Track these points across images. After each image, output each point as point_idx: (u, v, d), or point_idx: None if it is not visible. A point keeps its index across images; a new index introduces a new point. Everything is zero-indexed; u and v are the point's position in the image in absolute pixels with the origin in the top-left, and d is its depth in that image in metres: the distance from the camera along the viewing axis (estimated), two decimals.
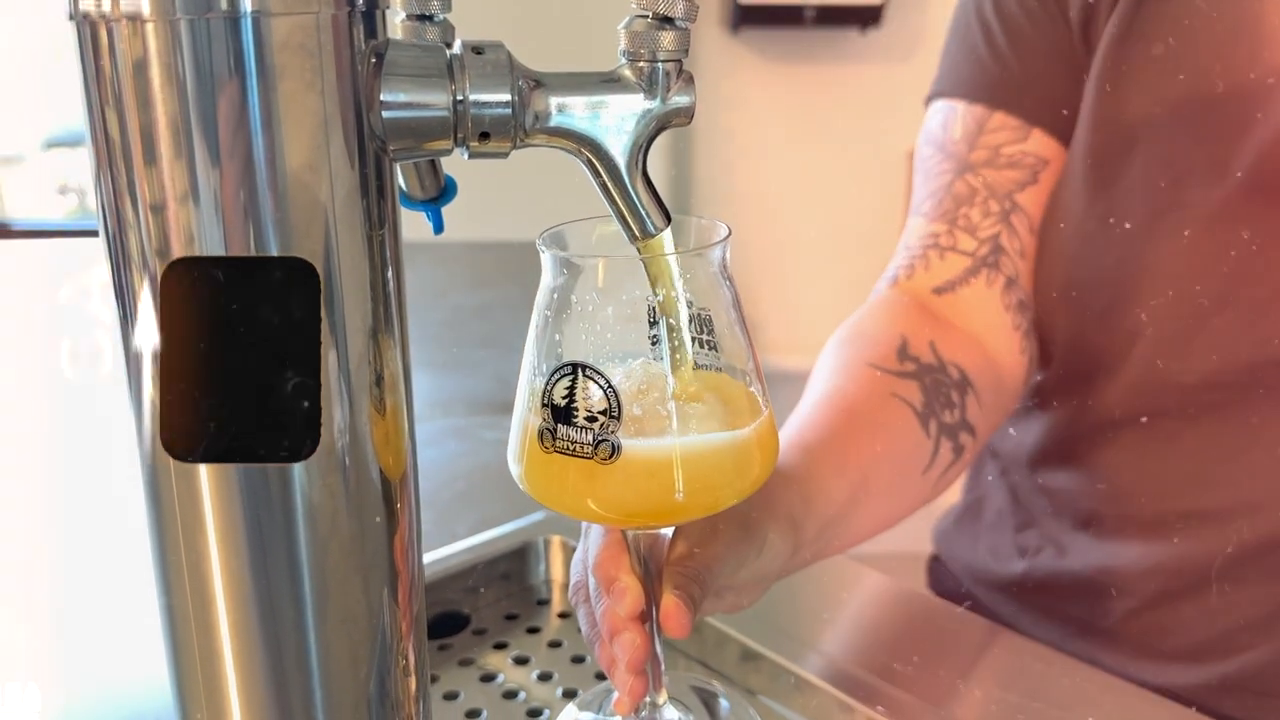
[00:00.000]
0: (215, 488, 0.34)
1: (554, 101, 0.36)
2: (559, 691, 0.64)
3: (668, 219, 0.40)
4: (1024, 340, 0.75)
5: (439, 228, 0.46)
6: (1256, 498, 0.68)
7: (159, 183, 0.31)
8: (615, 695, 0.50)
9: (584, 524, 0.51)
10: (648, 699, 0.51)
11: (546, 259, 0.44)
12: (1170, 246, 0.69)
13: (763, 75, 2.13)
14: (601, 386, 0.42)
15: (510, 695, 0.64)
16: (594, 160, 0.38)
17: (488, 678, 0.66)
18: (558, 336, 0.44)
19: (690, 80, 0.38)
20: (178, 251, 0.31)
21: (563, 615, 0.73)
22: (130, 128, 0.31)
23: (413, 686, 0.40)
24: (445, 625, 0.71)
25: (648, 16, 0.37)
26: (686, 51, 0.37)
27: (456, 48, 0.35)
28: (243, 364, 0.32)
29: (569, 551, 0.75)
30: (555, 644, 0.69)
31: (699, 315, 0.43)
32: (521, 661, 0.67)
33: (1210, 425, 0.69)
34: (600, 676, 0.64)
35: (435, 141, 0.34)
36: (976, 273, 0.74)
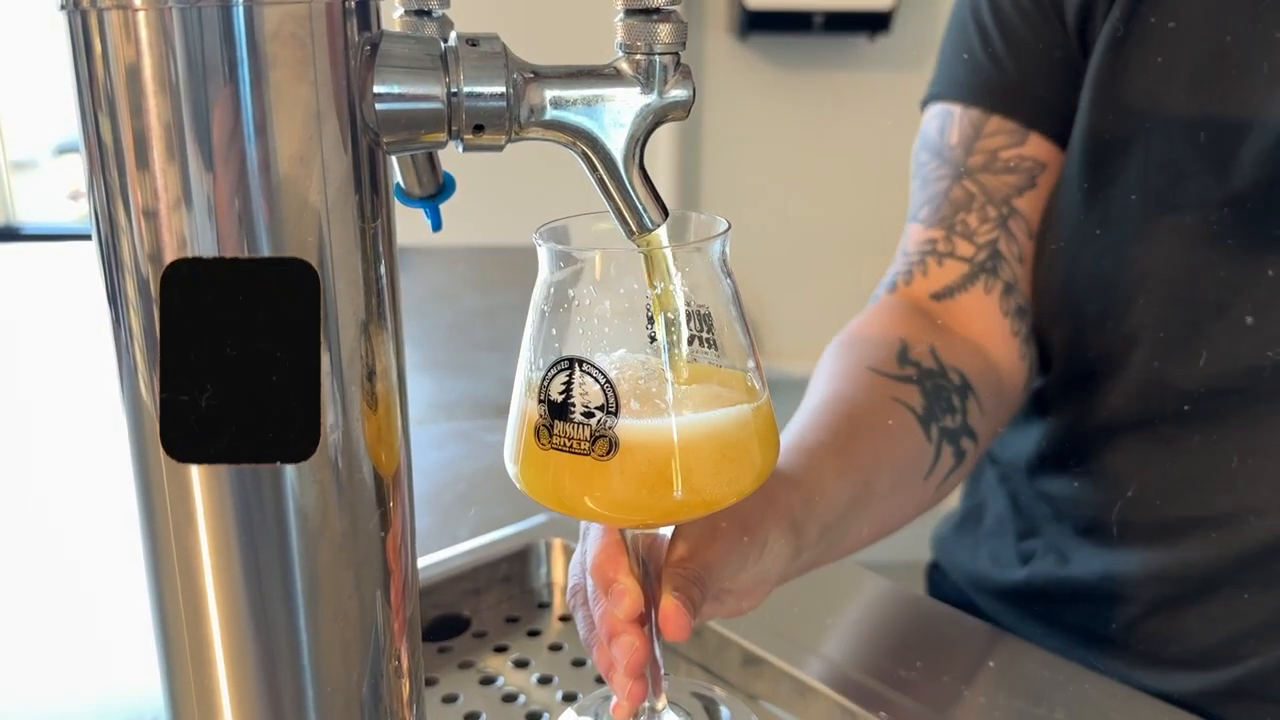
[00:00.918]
0: (206, 486, 0.33)
1: (549, 94, 0.35)
2: (559, 695, 0.64)
3: (665, 214, 0.39)
4: (1023, 346, 0.74)
5: (437, 225, 0.45)
6: (1259, 503, 0.67)
7: (150, 174, 0.31)
8: (614, 700, 0.49)
9: (583, 525, 0.51)
10: (646, 704, 0.50)
11: (543, 253, 0.44)
12: (1168, 250, 0.68)
13: (771, 82, 2.13)
14: (598, 381, 0.41)
15: (510, 699, 0.64)
16: (590, 154, 0.37)
17: (487, 681, 0.65)
18: (554, 331, 0.43)
19: (688, 74, 0.37)
20: (168, 242, 0.31)
21: (563, 619, 0.72)
22: (121, 118, 0.31)
23: (406, 689, 0.40)
24: (445, 628, 0.70)
25: (635, 10, 0.36)
26: (684, 44, 0.37)
27: (451, 39, 0.34)
28: (239, 363, 0.32)
29: (570, 554, 0.75)
30: (556, 647, 0.69)
31: (698, 310, 0.42)
32: (521, 665, 0.67)
33: (1211, 430, 0.69)
34: (601, 681, 0.63)
35: (429, 134, 0.34)
36: (975, 279, 0.73)
